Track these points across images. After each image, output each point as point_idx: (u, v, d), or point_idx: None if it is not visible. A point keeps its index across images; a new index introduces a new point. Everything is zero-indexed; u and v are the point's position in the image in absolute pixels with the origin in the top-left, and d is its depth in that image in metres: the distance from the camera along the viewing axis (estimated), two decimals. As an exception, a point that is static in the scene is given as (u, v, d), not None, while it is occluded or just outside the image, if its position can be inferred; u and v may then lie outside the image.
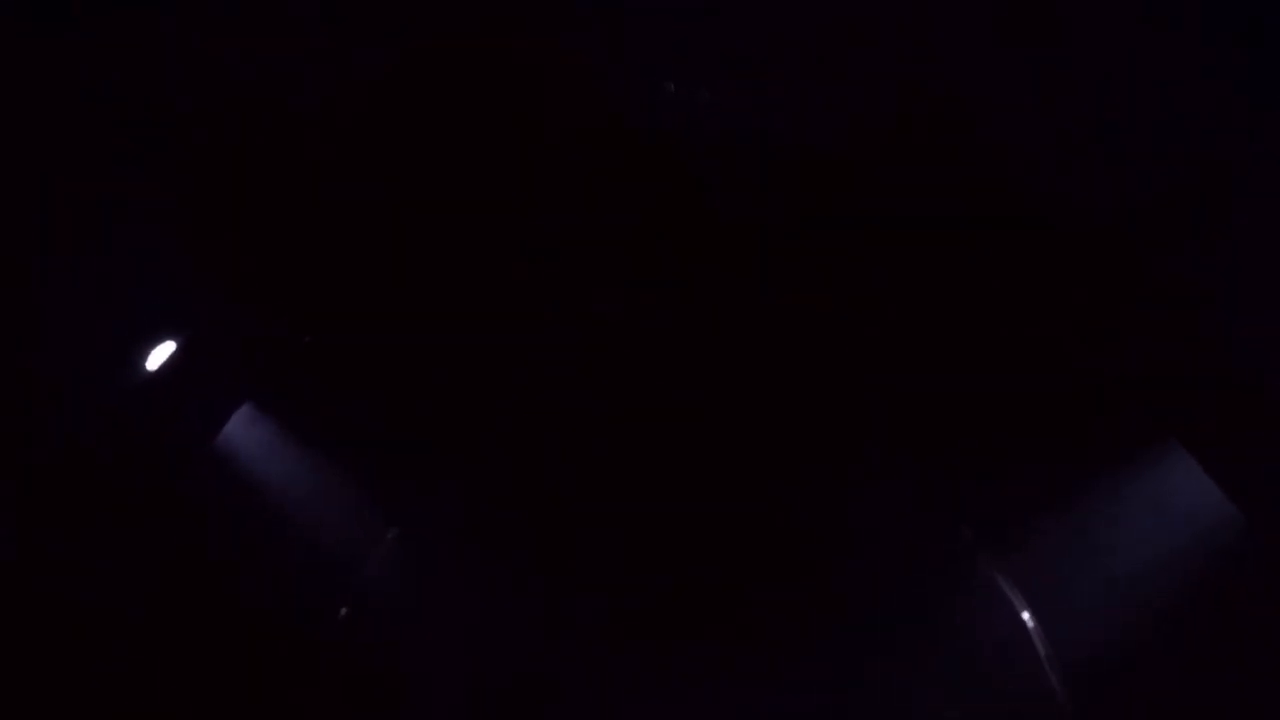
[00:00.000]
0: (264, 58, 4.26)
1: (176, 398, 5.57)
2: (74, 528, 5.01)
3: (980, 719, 5.56)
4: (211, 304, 5.56)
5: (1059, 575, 5.72)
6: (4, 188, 4.05)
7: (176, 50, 4.11)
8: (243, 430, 6.10)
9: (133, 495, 5.37)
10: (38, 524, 4.76)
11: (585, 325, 6.08)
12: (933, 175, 4.70)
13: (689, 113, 4.72)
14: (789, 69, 4.46)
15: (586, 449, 6.53)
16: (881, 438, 6.11)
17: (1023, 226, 4.78)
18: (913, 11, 4.12)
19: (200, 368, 5.63)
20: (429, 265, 5.74)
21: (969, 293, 5.27)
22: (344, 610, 6.56)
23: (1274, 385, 4.38)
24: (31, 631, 4.69)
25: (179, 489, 5.67)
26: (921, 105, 4.42)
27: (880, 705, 5.74)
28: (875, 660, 5.82)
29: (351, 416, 6.31)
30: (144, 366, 5.39)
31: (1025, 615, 5.70)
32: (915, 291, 5.35)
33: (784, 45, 4.37)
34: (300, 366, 6.14)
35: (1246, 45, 3.50)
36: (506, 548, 6.46)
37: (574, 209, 5.37)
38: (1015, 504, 5.83)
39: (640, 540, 6.33)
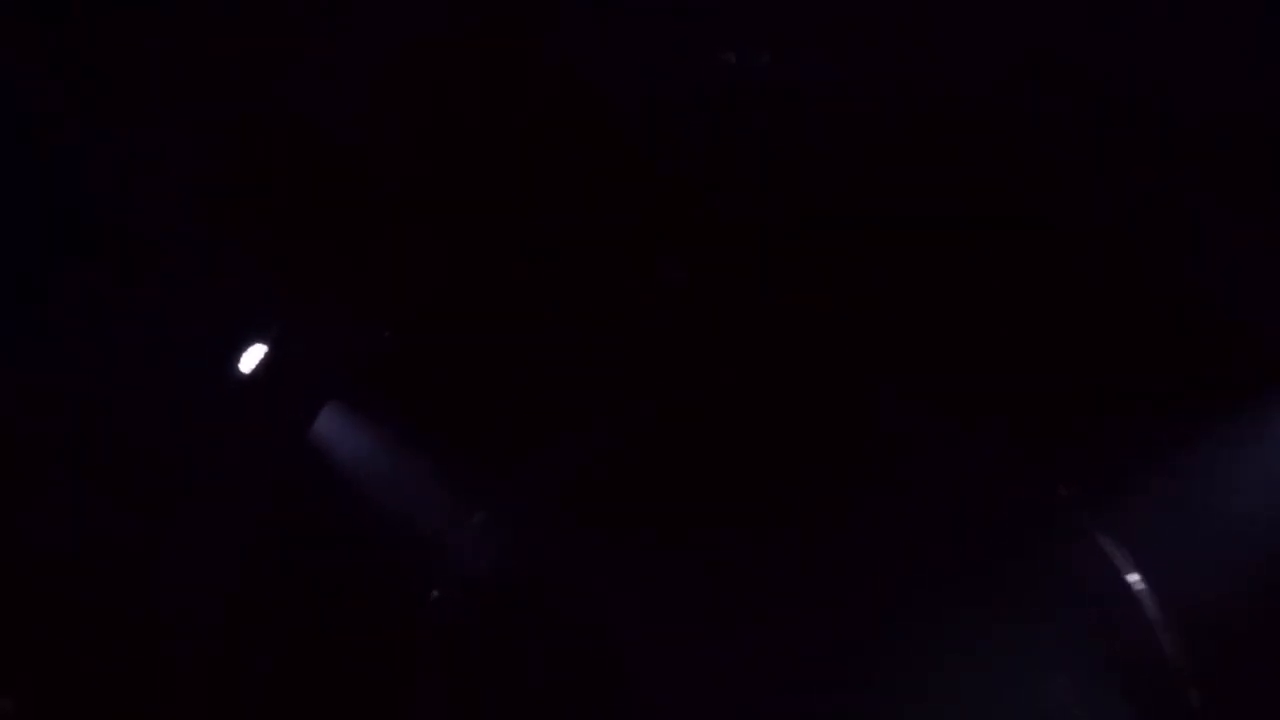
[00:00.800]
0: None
1: (269, 397, 5.80)
2: (189, 518, 5.30)
3: (1089, 686, 5.33)
4: (295, 307, 5.77)
5: (1166, 534, 5.43)
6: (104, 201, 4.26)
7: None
8: (332, 424, 6.33)
9: (236, 487, 5.64)
10: (154, 515, 5.05)
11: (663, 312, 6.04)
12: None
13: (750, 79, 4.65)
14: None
15: (666, 436, 6.52)
16: (976, 400, 5.90)
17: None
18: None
19: (288, 368, 5.86)
20: (500, 261, 5.83)
21: (1067, 248, 5.05)
22: (435, 593, 6.77)
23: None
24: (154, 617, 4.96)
25: (278, 481, 5.91)
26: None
27: (986, 672, 5.59)
28: (978, 624, 5.67)
29: (433, 407, 6.46)
30: (237, 369, 5.65)
31: (1132, 577, 5.43)
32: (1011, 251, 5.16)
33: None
34: (381, 362, 6.31)
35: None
36: (587, 528, 6.52)
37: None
38: (1117, 462, 5.56)
39: (728, 514, 6.31)
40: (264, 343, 5.68)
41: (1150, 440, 5.26)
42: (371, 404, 6.31)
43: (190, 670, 5.20)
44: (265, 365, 5.69)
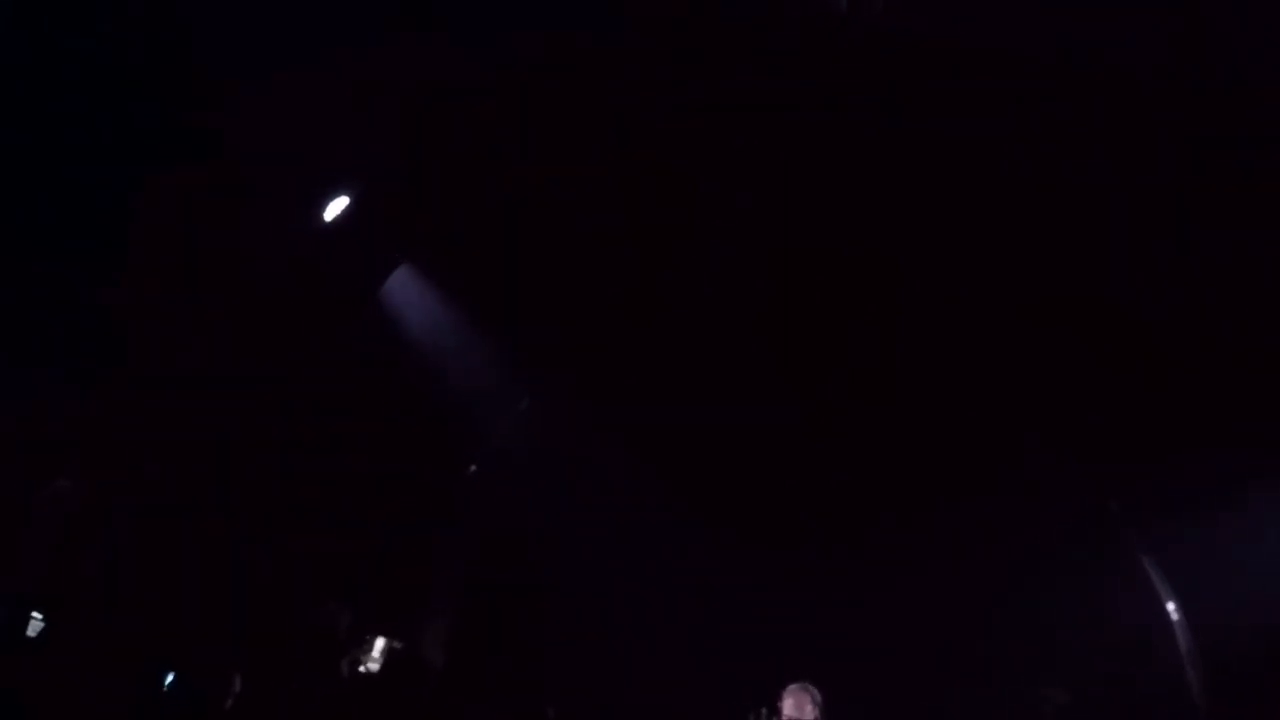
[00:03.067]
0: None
1: (348, 246, 5.80)
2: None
3: (1102, 703, 5.37)
4: (383, 164, 5.69)
5: (1214, 571, 5.32)
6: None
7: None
8: (402, 286, 6.35)
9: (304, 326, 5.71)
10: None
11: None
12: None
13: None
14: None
15: (716, 349, 6.44)
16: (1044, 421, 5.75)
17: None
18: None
19: (370, 222, 5.82)
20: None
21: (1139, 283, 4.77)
22: (474, 467, 6.94)
23: None
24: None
25: (342, 331, 5.98)
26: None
27: (1004, 670, 5.66)
28: (1008, 623, 5.70)
29: (502, 291, 6.43)
30: (321, 216, 5.63)
31: (1170, 606, 5.36)
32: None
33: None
34: (460, 237, 6.25)
35: None
36: (625, 430, 6.57)
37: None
38: (1175, 492, 5.41)
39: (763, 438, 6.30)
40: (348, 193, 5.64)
41: (1213, 477, 5.10)
42: (445, 277, 6.30)
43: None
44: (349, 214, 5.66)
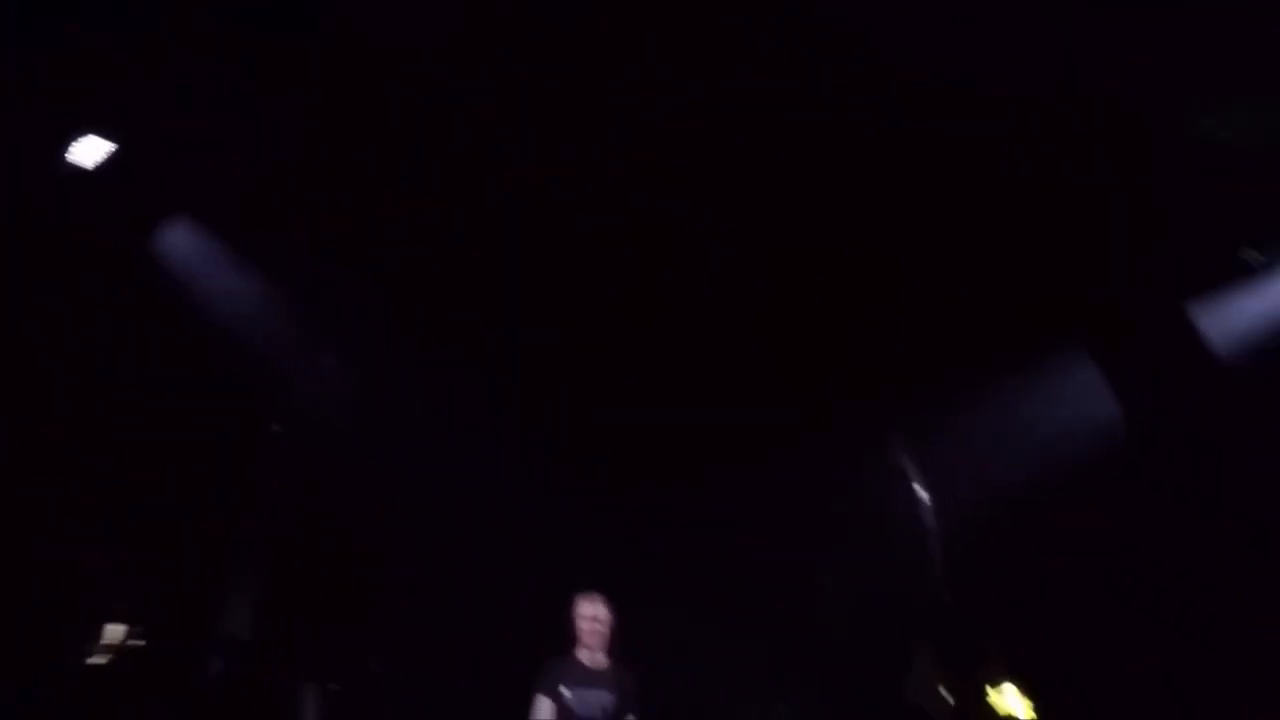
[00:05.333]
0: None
1: (110, 193, 5.45)
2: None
3: (863, 575, 6.04)
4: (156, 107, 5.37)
5: (961, 462, 6.12)
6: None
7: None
8: (183, 236, 6.03)
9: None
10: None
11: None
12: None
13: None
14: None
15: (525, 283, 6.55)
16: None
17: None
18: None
19: (138, 169, 5.49)
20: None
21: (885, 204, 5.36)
22: (276, 426, 6.71)
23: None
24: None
25: (113, 279, 5.62)
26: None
27: (787, 552, 6.19)
28: (792, 515, 6.22)
29: (298, 241, 6.24)
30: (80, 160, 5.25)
31: (920, 490, 6.10)
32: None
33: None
34: (249, 186, 6.00)
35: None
36: (436, 385, 6.60)
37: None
38: (930, 400, 6.15)
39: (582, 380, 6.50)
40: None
41: (959, 374, 5.85)
42: (227, 224, 6.03)
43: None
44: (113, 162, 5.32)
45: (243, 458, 6.52)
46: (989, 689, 5.06)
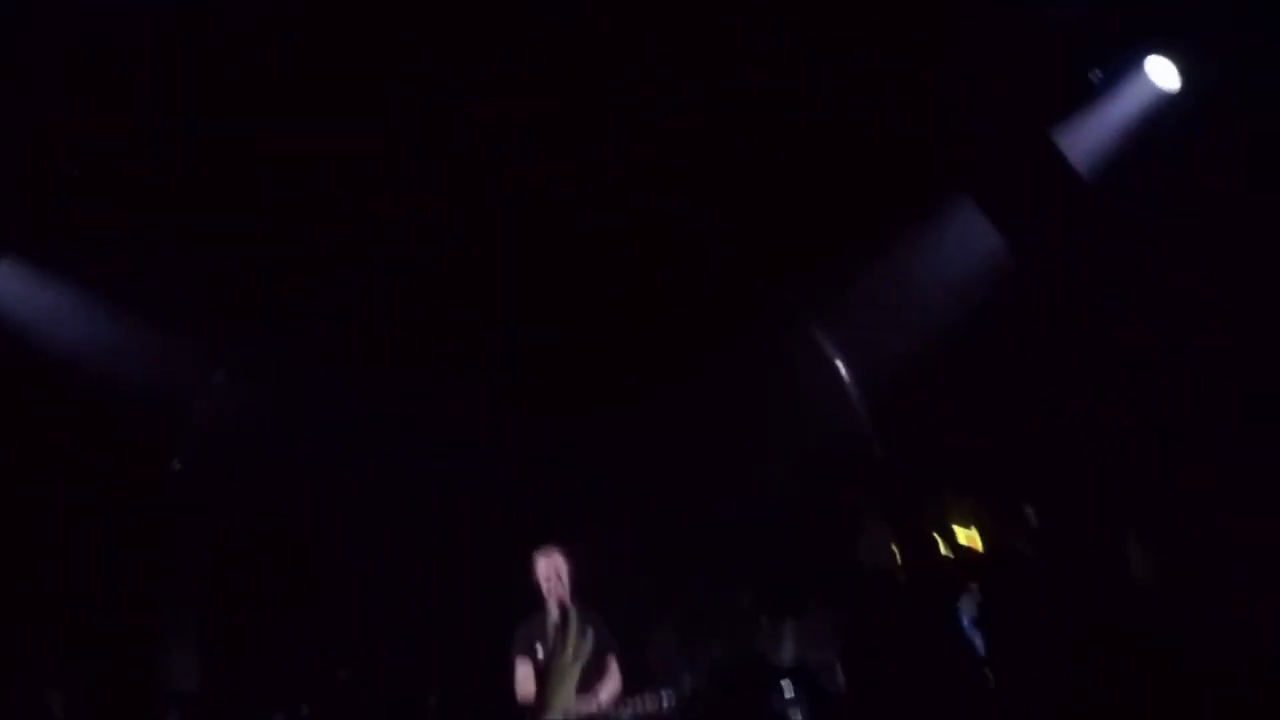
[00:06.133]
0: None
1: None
2: None
3: (799, 457, 6.20)
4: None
5: (869, 326, 6.24)
6: None
7: None
8: (14, 285, 5.44)
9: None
10: None
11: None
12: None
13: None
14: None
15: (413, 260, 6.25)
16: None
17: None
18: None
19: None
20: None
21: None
22: (176, 463, 6.33)
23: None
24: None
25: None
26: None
27: (717, 451, 6.27)
28: (716, 416, 6.27)
29: (146, 257, 5.72)
30: None
31: (838, 362, 6.24)
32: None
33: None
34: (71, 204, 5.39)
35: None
36: (336, 374, 6.30)
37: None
38: (832, 268, 6.18)
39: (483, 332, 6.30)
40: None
41: (851, 247, 5.89)
42: (66, 260, 5.46)
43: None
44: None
45: (149, 504, 6.15)
46: (936, 536, 5.29)
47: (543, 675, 4.56)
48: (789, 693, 3.65)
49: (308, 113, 5.22)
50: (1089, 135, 4.62)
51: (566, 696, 4.43)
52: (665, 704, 4.28)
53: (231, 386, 6.54)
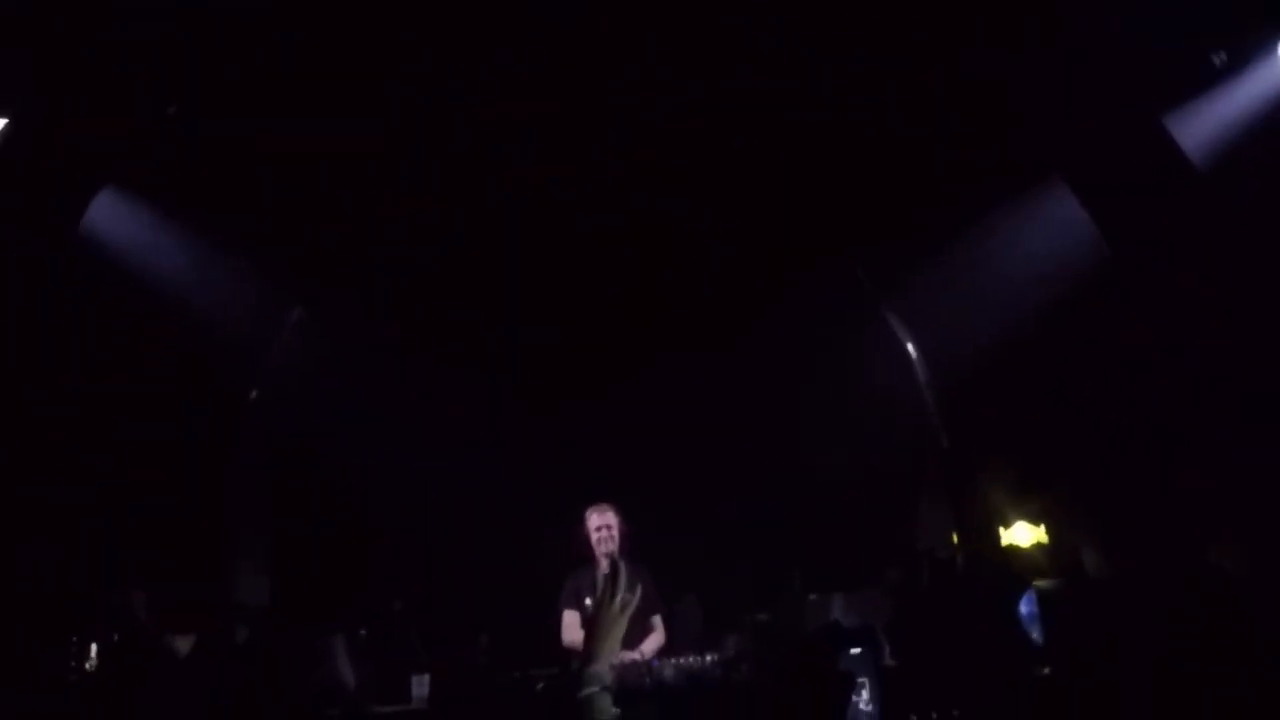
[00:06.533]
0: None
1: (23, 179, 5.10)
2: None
3: (869, 440, 6.11)
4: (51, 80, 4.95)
5: (941, 309, 6.08)
6: None
7: None
8: (109, 214, 5.68)
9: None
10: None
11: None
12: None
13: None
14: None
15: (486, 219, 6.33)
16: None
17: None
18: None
19: (47, 148, 5.12)
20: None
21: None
22: (254, 392, 6.59)
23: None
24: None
25: (48, 278, 5.33)
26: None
27: (786, 431, 6.25)
28: (778, 388, 6.24)
29: (232, 197, 5.92)
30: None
31: (910, 346, 6.09)
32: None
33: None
34: (163, 143, 5.61)
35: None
36: (410, 324, 6.44)
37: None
38: (904, 249, 6.03)
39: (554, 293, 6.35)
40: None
41: (929, 228, 5.73)
42: (154, 190, 5.68)
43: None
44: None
45: (227, 428, 6.42)
46: (1000, 529, 5.17)
47: (590, 625, 4.64)
48: (856, 657, 3.64)
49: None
50: (1206, 122, 4.35)
51: (613, 647, 4.51)
52: (709, 664, 4.30)
53: (307, 325, 6.76)
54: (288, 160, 5.75)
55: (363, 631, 4.94)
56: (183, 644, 4.28)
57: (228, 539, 5.91)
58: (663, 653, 4.76)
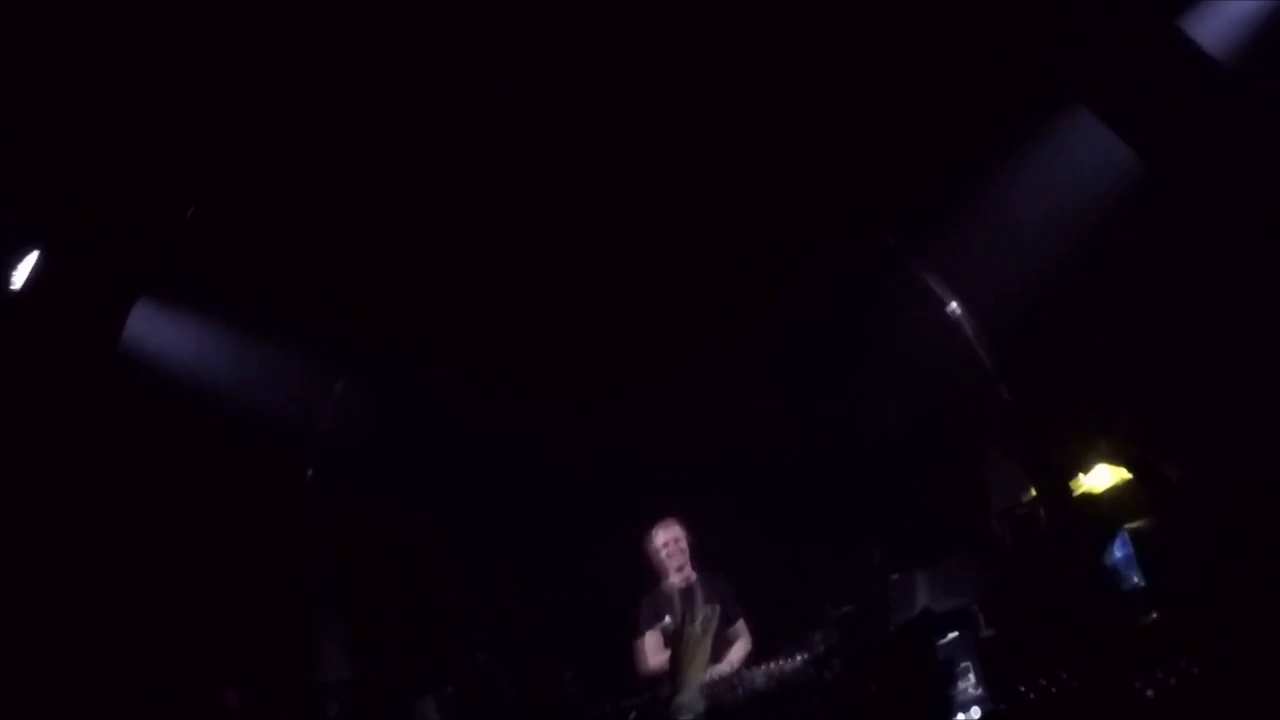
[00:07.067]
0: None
1: (57, 308, 5.26)
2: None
3: (923, 402, 5.90)
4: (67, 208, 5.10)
5: (977, 259, 5.86)
6: None
7: None
8: (146, 325, 5.83)
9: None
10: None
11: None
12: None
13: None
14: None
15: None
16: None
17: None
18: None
19: (73, 273, 5.28)
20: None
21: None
22: (310, 471, 6.67)
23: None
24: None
25: (96, 398, 5.49)
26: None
27: (830, 404, 6.08)
28: (823, 366, 6.09)
29: (256, 282, 6.03)
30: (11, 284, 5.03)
31: (953, 304, 5.89)
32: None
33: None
34: (184, 243, 5.74)
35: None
36: (454, 380, 6.45)
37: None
38: (931, 204, 5.83)
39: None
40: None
41: (951, 177, 5.53)
42: (186, 293, 5.81)
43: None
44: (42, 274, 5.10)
45: (288, 511, 6.50)
46: (1079, 474, 4.92)
47: (674, 646, 4.56)
48: (953, 641, 3.48)
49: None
50: (1223, 20, 4.10)
51: (701, 665, 4.42)
52: (799, 664, 4.18)
53: (351, 395, 6.83)
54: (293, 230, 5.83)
55: (450, 689, 4.92)
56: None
57: (305, 621, 5.97)
58: (751, 660, 4.65)
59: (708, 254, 6.03)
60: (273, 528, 6.27)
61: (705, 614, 4.66)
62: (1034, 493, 5.10)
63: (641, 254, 6.01)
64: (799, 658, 4.22)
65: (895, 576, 4.62)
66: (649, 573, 4.98)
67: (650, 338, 6.16)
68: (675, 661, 4.51)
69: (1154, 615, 3.60)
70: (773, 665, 4.25)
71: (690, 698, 3.36)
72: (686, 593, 4.85)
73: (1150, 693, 3.00)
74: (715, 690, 4.23)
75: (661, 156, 5.64)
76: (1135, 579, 3.89)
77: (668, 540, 4.94)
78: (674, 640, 4.59)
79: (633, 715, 4.29)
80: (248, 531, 6.05)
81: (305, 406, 6.79)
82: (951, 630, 3.50)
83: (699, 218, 5.91)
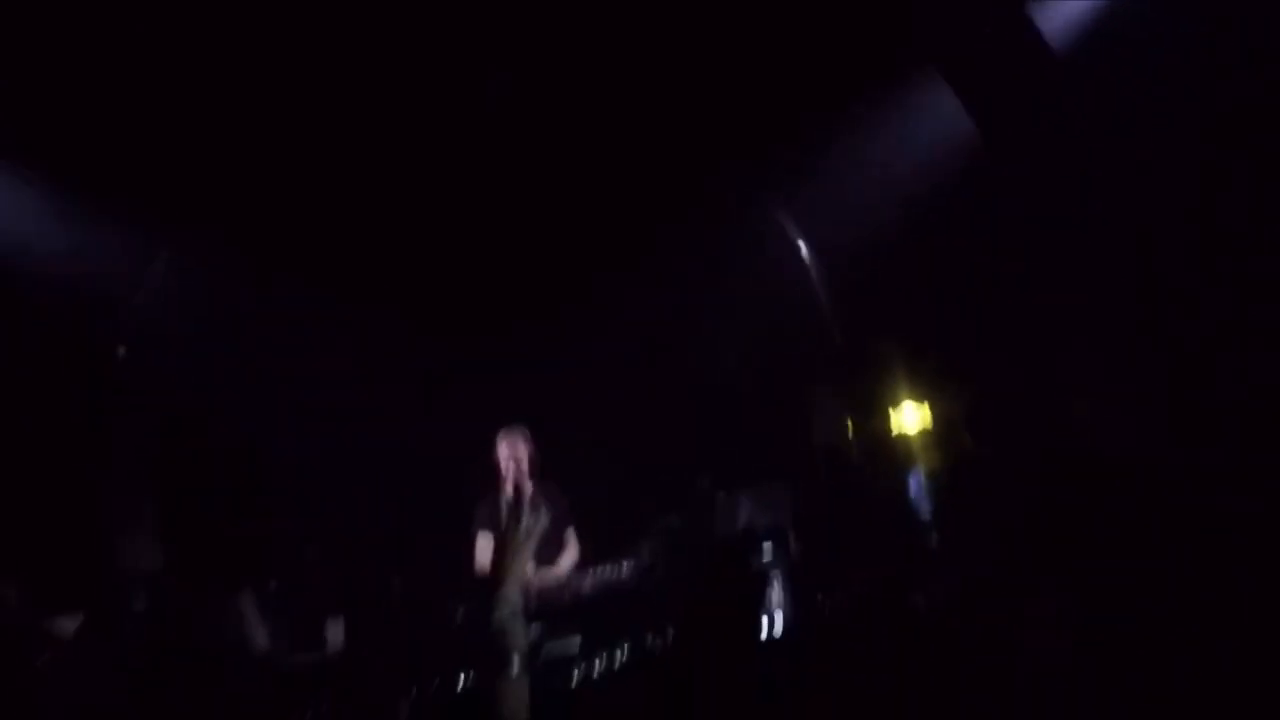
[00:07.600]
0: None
1: None
2: None
3: (767, 342, 6.22)
4: None
5: (829, 212, 6.17)
6: None
7: None
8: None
9: None
10: None
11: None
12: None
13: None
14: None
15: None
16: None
17: None
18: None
19: None
20: None
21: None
22: (121, 349, 6.14)
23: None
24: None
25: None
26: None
27: (677, 334, 6.29)
28: (674, 299, 6.25)
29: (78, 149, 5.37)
30: None
31: (800, 244, 6.19)
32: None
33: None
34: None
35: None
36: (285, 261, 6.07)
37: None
38: (790, 152, 6.02)
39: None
40: None
41: (810, 125, 5.74)
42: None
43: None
44: None
45: (95, 390, 5.99)
46: (890, 411, 5.41)
47: (496, 551, 4.66)
48: (768, 555, 3.82)
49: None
50: (1070, 9, 4.44)
51: (521, 567, 4.55)
52: (625, 572, 4.40)
53: (169, 276, 6.31)
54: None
55: (273, 584, 4.80)
56: (69, 624, 4.06)
57: (105, 509, 5.59)
58: (581, 566, 4.84)
59: (565, 191, 6.01)
60: (73, 407, 5.77)
61: (531, 521, 4.78)
62: (852, 431, 5.57)
63: (501, 186, 5.90)
64: (626, 565, 4.43)
65: (721, 494, 4.92)
66: (490, 473, 5.02)
67: (514, 258, 6.12)
68: (497, 563, 4.62)
69: (934, 541, 4.09)
70: (601, 571, 4.44)
71: (509, 593, 3.50)
72: (519, 499, 4.93)
73: (921, 601, 3.44)
74: (542, 591, 4.38)
75: (522, 92, 5.50)
76: (926, 513, 4.38)
77: (507, 455, 4.98)
78: (497, 543, 4.69)
79: (460, 612, 4.38)
80: (43, 409, 5.56)
81: (126, 282, 6.23)
82: (767, 543, 3.83)
83: (557, 154, 5.86)
